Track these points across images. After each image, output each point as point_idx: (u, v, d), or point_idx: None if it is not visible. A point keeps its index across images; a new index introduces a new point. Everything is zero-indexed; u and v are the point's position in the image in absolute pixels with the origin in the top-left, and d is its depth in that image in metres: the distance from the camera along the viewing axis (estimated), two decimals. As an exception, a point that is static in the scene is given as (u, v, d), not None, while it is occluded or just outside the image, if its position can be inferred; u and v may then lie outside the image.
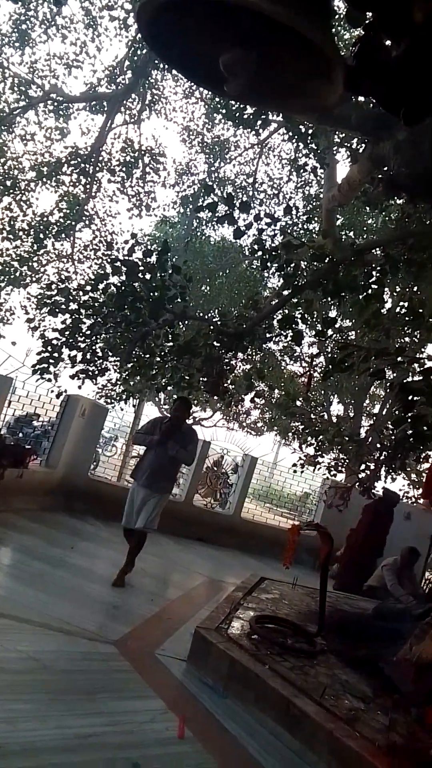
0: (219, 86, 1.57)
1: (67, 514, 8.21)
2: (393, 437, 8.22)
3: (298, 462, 10.88)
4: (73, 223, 13.18)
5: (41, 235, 12.70)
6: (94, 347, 6.73)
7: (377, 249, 6.95)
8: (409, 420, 4.75)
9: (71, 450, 8.72)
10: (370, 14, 1.60)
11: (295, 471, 11.01)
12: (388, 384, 9.94)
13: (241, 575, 6.94)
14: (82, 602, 4.73)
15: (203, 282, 16.60)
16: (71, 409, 8.60)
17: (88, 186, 12.99)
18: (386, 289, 9.19)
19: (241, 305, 10.14)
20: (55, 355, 6.56)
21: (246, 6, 1.34)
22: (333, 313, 11.81)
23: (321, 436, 10.27)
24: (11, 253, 13.13)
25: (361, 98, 5.38)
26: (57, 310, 6.67)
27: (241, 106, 8.52)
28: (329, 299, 6.88)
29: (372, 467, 9.56)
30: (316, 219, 12.48)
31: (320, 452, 10.61)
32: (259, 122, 9.61)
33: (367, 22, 1.62)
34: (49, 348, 6.55)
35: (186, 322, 8.56)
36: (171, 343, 6.81)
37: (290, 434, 16.81)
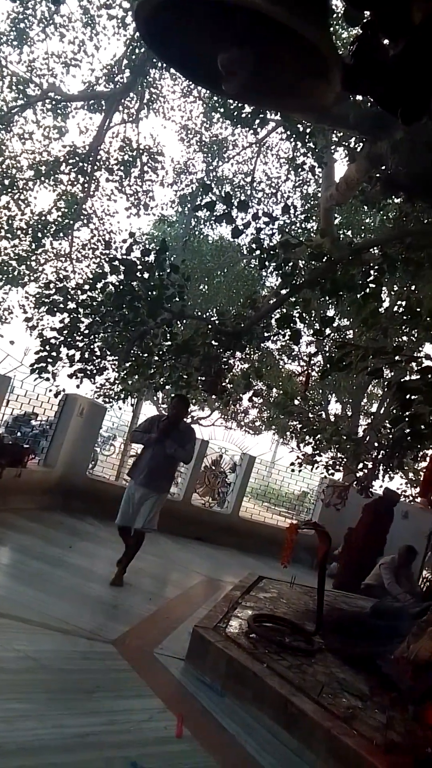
0: (217, 85, 1.57)
1: (66, 513, 8.21)
2: (391, 436, 8.22)
3: (296, 461, 10.89)
4: (72, 222, 13.15)
5: (39, 234, 12.68)
6: (92, 346, 6.73)
7: (375, 248, 6.95)
8: (407, 419, 4.76)
9: (69, 449, 8.71)
10: (368, 13, 1.60)
11: (293, 470, 11.02)
12: (385, 383, 9.96)
13: (239, 574, 6.95)
14: (80, 601, 4.73)
15: (201, 281, 16.63)
16: (69, 409, 8.60)
17: (86, 185, 12.97)
18: (384, 288, 9.19)
19: (239, 304, 10.14)
20: (54, 354, 6.55)
21: (244, 5, 1.35)
22: (331, 312, 11.83)
23: (319, 435, 10.27)
24: (9, 252, 13.11)
25: (359, 97, 5.38)
26: (55, 309, 6.67)
27: (239, 105, 8.52)
28: (327, 298, 6.89)
29: (370, 466, 9.57)
30: (314, 218, 12.49)
31: (318, 451, 10.62)
32: (257, 121, 9.61)
33: (365, 21, 1.62)
34: (47, 347, 6.54)
35: (184, 321, 8.57)
36: (169, 342, 6.81)
37: (288, 433, 16.86)
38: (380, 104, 1.71)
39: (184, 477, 10.09)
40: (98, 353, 6.81)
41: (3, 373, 7.87)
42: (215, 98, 10.10)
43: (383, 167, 6.06)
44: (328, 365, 5.86)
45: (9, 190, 12.47)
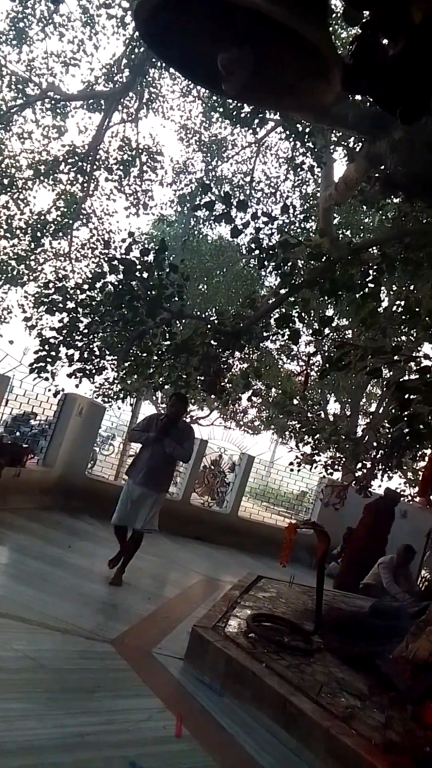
0: (217, 85, 1.57)
1: (65, 513, 8.20)
2: (389, 436, 8.23)
3: (294, 461, 10.89)
4: (71, 221, 13.15)
5: (38, 234, 12.67)
6: (91, 346, 6.73)
7: (374, 248, 6.95)
8: (406, 418, 4.77)
9: (68, 449, 8.71)
10: (368, 13, 1.60)
11: (291, 470, 11.02)
12: (384, 383, 9.97)
13: (238, 574, 6.95)
14: (79, 601, 4.73)
15: (200, 281, 16.64)
16: (68, 408, 8.59)
17: (85, 184, 12.97)
18: (383, 287, 9.20)
19: (239, 304, 10.16)
20: (53, 353, 6.55)
21: (244, 5, 1.35)
22: (330, 312, 11.85)
23: (318, 435, 10.27)
24: (8, 251, 13.11)
25: (358, 97, 5.38)
26: (54, 309, 6.67)
27: (239, 104, 8.51)
28: (326, 298, 6.90)
29: (368, 466, 9.58)
30: (313, 218, 12.50)
31: (317, 451, 10.62)
32: (257, 121, 9.59)
33: (364, 21, 1.62)
34: (46, 347, 6.54)
35: (183, 320, 8.58)
36: (168, 342, 6.81)
37: (287, 433, 16.84)
38: (379, 104, 1.71)
39: (183, 476, 10.10)
40: (97, 353, 6.81)
41: (2, 372, 7.87)
42: (214, 98, 10.10)
43: (382, 167, 6.06)
44: (327, 365, 5.86)
45: (8, 189, 12.46)
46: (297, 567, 7.26)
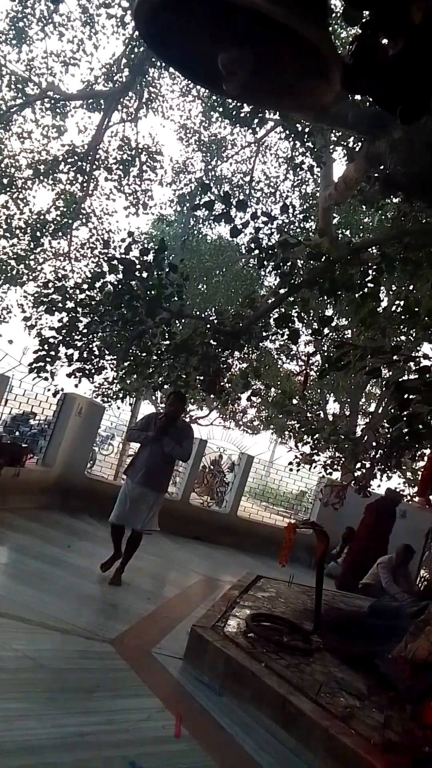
0: (217, 85, 1.57)
1: (64, 512, 8.20)
2: (388, 435, 8.23)
3: (294, 460, 10.89)
4: (70, 221, 13.15)
5: (38, 233, 12.67)
6: (90, 346, 6.73)
7: (373, 247, 6.96)
8: (405, 418, 4.76)
9: (68, 448, 8.71)
10: (368, 13, 1.60)
11: (291, 469, 11.02)
12: (383, 382, 9.97)
13: (237, 573, 6.95)
14: (78, 601, 4.73)
15: (200, 280, 16.64)
16: (68, 408, 8.59)
17: (85, 184, 12.96)
18: (382, 287, 9.20)
19: (238, 303, 10.15)
20: (52, 353, 6.55)
21: (244, 5, 1.35)
22: (329, 312, 11.84)
23: (317, 435, 10.28)
24: (8, 251, 13.10)
25: (358, 97, 5.38)
26: (54, 309, 6.66)
27: (238, 104, 8.51)
28: (325, 298, 6.89)
29: (368, 465, 9.58)
30: (312, 217, 12.51)
31: (316, 451, 10.63)
32: (256, 120, 9.60)
33: (364, 21, 1.62)
34: (45, 346, 6.54)
35: (183, 320, 8.58)
36: (168, 342, 6.81)
37: (286, 433, 16.85)
38: (379, 104, 1.72)
39: (182, 476, 10.10)
40: (97, 352, 6.81)
41: (2, 372, 7.87)
42: (214, 97, 10.10)
43: (382, 167, 6.06)
44: (327, 365, 5.86)
45: (8, 189, 12.45)
46: (296, 567, 7.26)
